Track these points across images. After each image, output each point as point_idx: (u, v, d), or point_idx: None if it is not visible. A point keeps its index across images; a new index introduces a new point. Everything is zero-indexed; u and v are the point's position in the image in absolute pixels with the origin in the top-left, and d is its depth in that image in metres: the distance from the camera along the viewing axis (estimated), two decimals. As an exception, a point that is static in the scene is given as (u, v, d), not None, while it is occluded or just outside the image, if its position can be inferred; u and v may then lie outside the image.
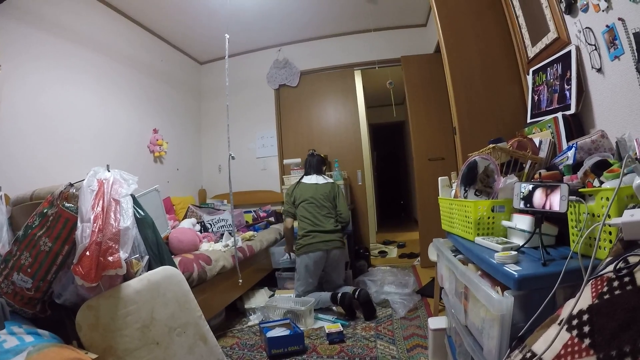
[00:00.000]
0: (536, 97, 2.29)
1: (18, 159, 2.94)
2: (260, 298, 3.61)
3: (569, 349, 0.68)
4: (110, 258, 1.69)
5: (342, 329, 2.77)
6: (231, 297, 3.25)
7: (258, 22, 4.83)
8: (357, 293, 3.15)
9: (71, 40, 3.53)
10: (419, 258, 4.68)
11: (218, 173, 5.74)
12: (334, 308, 3.29)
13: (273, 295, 3.71)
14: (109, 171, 2.03)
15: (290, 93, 5.63)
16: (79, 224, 1.72)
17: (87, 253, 1.64)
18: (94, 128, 3.75)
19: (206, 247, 3.26)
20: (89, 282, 1.61)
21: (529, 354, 0.74)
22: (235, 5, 4.25)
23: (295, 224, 3.61)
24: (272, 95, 5.67)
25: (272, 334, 2.66)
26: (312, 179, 3.68)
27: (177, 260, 2.53)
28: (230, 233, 3.60)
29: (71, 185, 1.88)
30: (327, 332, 2.74)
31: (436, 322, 2.24)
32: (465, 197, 1.85)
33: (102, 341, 1.61)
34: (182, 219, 4.19)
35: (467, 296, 1.50)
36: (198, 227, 3.82)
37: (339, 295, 3.11)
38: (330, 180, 3.78)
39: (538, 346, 0.74)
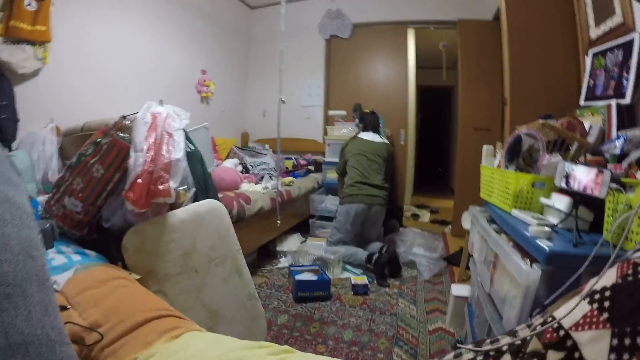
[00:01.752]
0: (592, 81, 2.22)
1: (69, 93, 3.10)
2: (292, 242, 3.75)
3: (587, 319, 0.73)
4: (160, 186, 1.75)
5: (367, 282, 2.86)
6: (266, 237, 3.40)
7: None
8: (384, 249, 3.23)
9: None
10: (450, 226, 4.70)
11: (262, 117, 5.83)
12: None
13: (305, 241, 3.84)
14: (162, 106, 2.11)
15: (341, 45, 5.57)
16: (132, 153, 1.78)
17: (139, 180, 1.71)
18: (143, 66, 3.88)
19: (246, 187, 3.40)
20: (139, 207, 1.69)
21: (549, 318, 0.79)
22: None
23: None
24: (322, 45, 5.63)
25: (300, 277, 2.79)
26: (369, 136, 3.72)
27: (219, 196, 2.65)
28: (271, 176, 3.70)
29: (124, 117, 1.96)
30: (352, 283, 2.85)
31: (459, 290, 2.29)
32: (517, 171, 1.85)
33: (146, 264, 1.70)
34: (225, 159, 4.32)
35: (496, 265, 1.55)
36: (240, 167, 3.94)
37: (374, 257, 3.15)
38: (386, 141, 3.81)
39: (559, 313, 0.78)
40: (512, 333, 0.84)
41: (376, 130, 3.85)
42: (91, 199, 1.80)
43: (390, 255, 3.20)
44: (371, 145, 3.62)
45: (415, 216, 5.45)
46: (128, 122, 1.93)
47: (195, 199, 2.07)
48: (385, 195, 3.54)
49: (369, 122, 3.88)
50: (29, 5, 2.70)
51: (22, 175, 1.97)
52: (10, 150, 2.59)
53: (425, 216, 5.52)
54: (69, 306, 1.21)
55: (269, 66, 5.70)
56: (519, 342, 0.79)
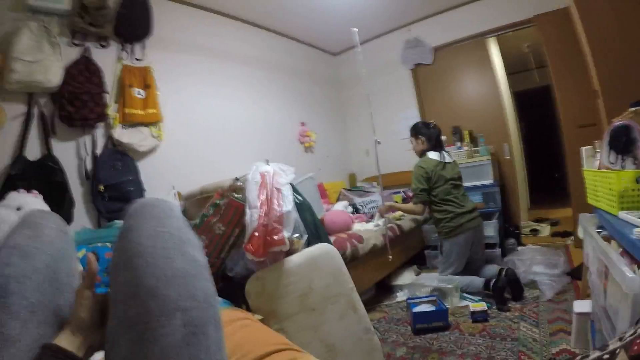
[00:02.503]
0: None
1: (184, 162, 3.57)
2: (408, 276, 3.74)
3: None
4: (275, 237, 1.97)
5: (486, 309, 2.77)
6: (381, 273, 3.45)
7: (382, 6, 4.84)
8: (504, 271, 3.10)
9: (216, 57, 4.14)
10: (572, 237, 4.34)
11: (366, 157, 5.96)
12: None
13: (420, 273, 3.80)
14: (268, 164, 2.32)
15: (427, 71, 5.58)
16: (247, 210, 2.03)
17: (256, 234, 1.95)
18: (247, 128, 4.33)
19: (358, 227, 3.52)
20: (258, 257, 1.93)
21: None
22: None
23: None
24: (408, 75, 5.69)
25: (418, 309, 2.80)
26: (442, 157, 3.50)
27: (331, 239, 2.78)
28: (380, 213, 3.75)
29: (237, 179, 2.23)
30: (471, 310, 2.77)
31: (581, 306, 2.11)
32: (623, 167, 1.70)
33: (267, 306, 1.92)
34: (335, 202, 4.47)
35: (607, 275, 1.43)
36: (350, 209, 4.08)
37: (492, 282, 3.02)
38: (453, 159, 3.67)
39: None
40: (603, 347, 0.79)
41: (442, 145, 3.61)
42: (216, 252, 2.11)
43: (510, 277, 3.06)
44: (452, 170, 3.46)
45: (535, 231, 5.12)
46: (240, 183, 2.24)
47: (309, 244, 2.25)
48: (479, 213, 3.45)
49: (435, 138, 3.57)
50: (138, 94, 3.22)
51: None
52: None
53: (545, 230, 5.15)
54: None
55: (362, 106, 5.82)
56: (607, 356, 0.74)
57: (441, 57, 5.46)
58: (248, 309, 1.94)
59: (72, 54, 2.88)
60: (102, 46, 3.11)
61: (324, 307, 2.02)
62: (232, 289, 2.11)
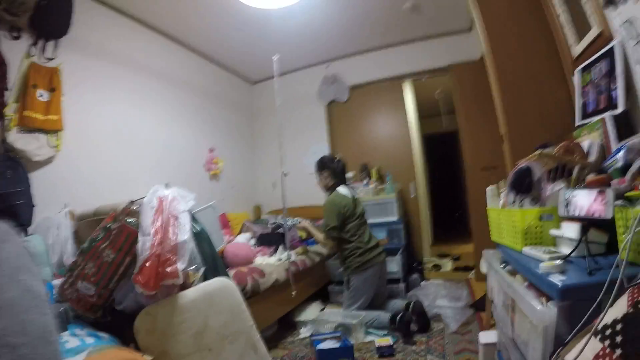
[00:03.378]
0: (583, 99, 2.18)
1: (82, 178, 3.18)
2: (311, 311, 3.63)
3: (600, 359, 0.65)
4: (168, 269, 1.78)
5: (392, 343, 2.73)
6: (284, 309, 3.32)
7: (305, 40, 4.92)
8: (411, 305, 3.12)
9: (129, 68, 3.80)
10: (473, 271, 4.54)
11: (272, 189, 5.85)
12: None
13: (324, 308, 3.73)
14: (168, 189, 2.14)
15: (341, 108, 5.69)
16: (140, 237, 1.84)
17: (147, 264, 1.75)
18: (151, 148, 3.99)
19: (260, 260, 3.37)
20: (149, 290, 1.72)
21: (561, 364, 0.71)
22: (282, 26, 4.36)
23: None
24: (323, 110, 5.76)
25: (322, 346, 2.67)
26: (349, 191, 3.53)
27: (231, 273, 2.64)
28: (284, 247, 3.65)
29: (132, 202, 2.02)
30: (377, 345, 2.72)
31: (487, 337, 2.17)
32: (521, 206, 1.78)
33: (158, 345, 1.71)
34: (237, 234, 4.30)
35: (514, 308, 1.46)
36: (253, 241, 3.91)
37: (398, 316, 3.00)
38: (358, 195, 3.72)
39: (571, 356, 0.71)
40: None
41: (345, 180, 3.67)
42: (103, 282, 1.85)
43: (417, 311, 3.10)
44: (359, 206, 3.52)
45: (437, 267, 5.29)
46: (136, 206, 2.00)
47: (205, 277, 2.08)
48: (383, 249, 3.50)
49: (340, 172, 3.60)
50: (41, 96, 2.87)
51: (37, 259, 2.00)
52: (26, 234, 2.64)
53: (447, 265, 5.35)
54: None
55: (274, 138, 5.78)
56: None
57: (356, 95, 5.61)
58: (137, 348, 1.71)
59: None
60: (14, 37, 2.76)
61: (221, 346, 1.87)
62: (120, 325, 1.88)
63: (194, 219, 2.18)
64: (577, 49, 2.24)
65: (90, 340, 1.57)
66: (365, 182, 4.99)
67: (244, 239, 3.84)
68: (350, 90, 5.60)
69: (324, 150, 5.60)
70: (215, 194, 4.73)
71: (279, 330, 3.36)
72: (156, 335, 1.72)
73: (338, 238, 3.41)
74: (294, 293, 3.01)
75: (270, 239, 3.92)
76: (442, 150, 9.45)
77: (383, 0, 4.18)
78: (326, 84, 5.65)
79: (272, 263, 3.33)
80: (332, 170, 3.56)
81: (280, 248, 3.69)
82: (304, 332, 3.26)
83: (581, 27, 2.15)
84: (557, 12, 2.39)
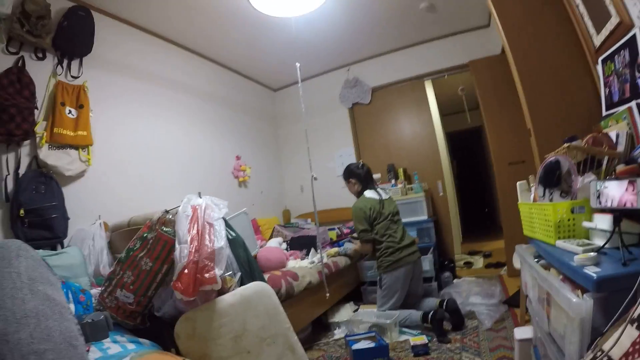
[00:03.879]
0: (609, 89, 2.16)
1: (113, 190, 3.31)
2: (345, 312, 3.66)
3: (637, 346, 0.66)
4: (206, 275, 1.83)
5: (427, 342, 2.73)
6: (317, 311, 3.35)
7: (325, 46, 4.97)
8: (444, 303, 3.13)
9: (153, 82, 3.92)
10: (505, 267, 4.50)
11: (300, 193, 5.93)
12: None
13: (357, 309, 3.75)
14: (200, 197, 2.20)
15: (364, 110, 5.73)
16: (177, 245, 1.89)
17: (186, 271, 1.80)
18: (181, 159, 4.11)
19: (293, 264, 3.43)
20: (188, 296, 1.77)
21: (599, 353, 0.73)
22: (302, 33, 4.39)
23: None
24: (346, 114, 5.81)
25: (357, 346, 2.69)
26: (376, 194, 3.58)
27: (265, 277, 2.66)
28: (316, 250, 3.69)
29: (167, 212, 2.08)
30: (411, 344, 2.73)
31: (522, 332, 2.15)
32: (551, 200, 1.78)
33: (198, 349, 1.76)
34: (269, 239, 4.37)
35: (550, 302, 1.46)
36: (284, 245, 3.97)
37: (430, 314, 3.02)
38: (389, 195, 3.76)
39: (608, 345, 0.72)
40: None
41: (373, 183, 3.72)
42: (142, 290, 1.91)
43: (451, 308, 3.09)
44: (389, 206, 3.53)
45: (469, 264, 5.25)
46: (170, 216, 2.05)
47: (242, 282, 2.13)
48: (417, 247, 3.52)
49: (366, 177, 3.67)
50: (69, 113, 2.98)
51: (75, 269, 2.10)
52: (62, 246, 2.76)
53: (479, 262, 5.30)
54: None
55: (299, 143, 5.90)
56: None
57: (378, 97, 5.64)
58: (178, 353, 1.77)
59: (5, 62, 2.65)
60: (39, 58, 2.89)
61: (260, 349, 1.91)
62: (160, 331, 1.96)
63: (228, 225, 2.23)
64: (598, 38, 2.21)
65: (131, 346, 1.62)
66: (392, 182, 5.00)
67: (275, 243, 3.91)
68: (372, 92, 5.63)
69: (349, 153, 5.67)
70: (244, 201, 4.82)
71: (313, 332, 3.39)
72: (196, 340, 1.77)
73: (372, 239, 3.45)
74: (327, 295, 3.04)
75: (302, 242, 3.97)
76: (467, 146, 9.40)
77: (399, 1, 4.19)
78: (348, 88, 5.70)
79: (304, 266, 3.37)
80: (357, 176, 3.64)
81: (312, 251, 3.73)
82: (338, 333, 3.29)
83: (600, 17, 2.12)
84: (576, 1, 2.37)
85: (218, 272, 1.88)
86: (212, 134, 4.69)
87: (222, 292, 1.96)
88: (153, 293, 1.95)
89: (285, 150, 6.20)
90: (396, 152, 5.49)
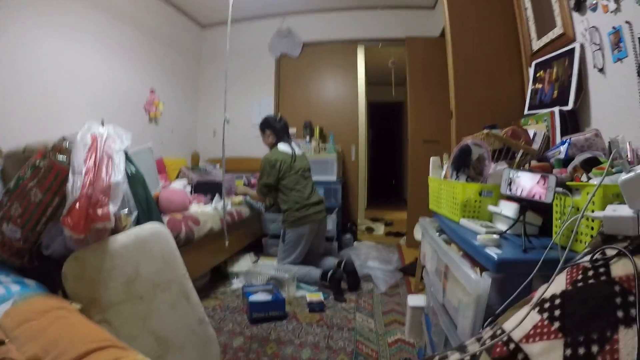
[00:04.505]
0: (536, 90, 2.30)
1: (13, 113, 2.95)
2: (244, 263, 3.65)
3: (538, 330, 0.71)
4: (99, 211, 1.67)
5: (322, 299, 2.82)
6: (217, 259, 3.31)
7: None
8: (343, 264, 3.23)
9: None
10: (404, 237, 4.74)
11: (212, 137, 5.70)
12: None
13: (257, 260, 3.76)
14: (103, 126, 2.02)
15: (291, 63, 5.59)
16: (70, 176, 1.70)
17: (77, 205, 1.63)
18: (91, 85, 3.74)
19: (195, 208, 3.30)
20: (78, 233, 1.61)
21: (499, 331, 0.77)
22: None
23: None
24: (272, 63, 5.62)
25: (254, 298, 2.70)
26: (289, 148, 3.54)
27: (165, 219, 2.54)
28: (220, 196, 3.61)
29: (64, 138, 1.87)
30: (308, 300, 2.80)
31: (415, 300, 2.28)
32: (467, 181, 1.86)
33: (87, 293, 1.61)
34: (174, 180, 4.20)
35: (447, 275, 1.54)
36: (188, 188, 3.82)
37: (329, 273, 3.10)
38: (303, 151, 3.76)
39: (508, 324, 0.76)
40: (462, 348, 0.82)
41: (289, 137, 3.70)
42: (30, 225, 1.72)
43: (349, 269, 3.20)
44: (301, 162, 3.53)
45: (370, 229, 5.47)
46: (67, 143, 1.84)
47: (138, 222, 1.99)
48: (325, 207, 3.56)
49: (282, 130, 3.63)
50: None
51: None
52: None
53: (380, 229, 5.54)
54: (6, 340, 1.14)
55: (219, 85, 5.60)
56: (468, 357, 0.76)
57: (308, 52, 5.51)
58: (65, 296, 1.61)
59: None
60: None
61: (153, 295, 1.80)
62: (48, 271, 1.78)
63: (129, 160, 2.06)
64: (537, 43, 2.37)
65: (15, 287, 1.50)
66: (307, 139, 4.99)
67: (180, 185, 3.73)
68: (303, 47, 5.50)
69: (269, 103, 5.54)
70: (154, 138, 4.56)
71: (211, 280, 3.35)
72: (85, 282, 1.62)
73: (268, 195, 3.49)
74: (227, 243, 2.99)
75: (207, 187, 3.87)
76: (387, 119, 9.62)
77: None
78: (279, 37, 5.51)
79: (207, 211, 3.26)
80: (273, 128, 3.59)
81: (217, 197, 3.64)
82: (236, 284, 3.28)
83: (545, 24, 2.28)
84: (525, 5, 2.50)
85: (112, 208, 1.73)
86: (130, 61, 4.32)
87: (116, 231, 1.81)
88: (42, 228, 1.75)
89: (204, 91, 5.91)
90: (316, 110, 5.46)
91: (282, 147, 3.51)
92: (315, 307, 2.76)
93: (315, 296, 2.84)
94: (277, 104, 5.58)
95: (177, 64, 5.30)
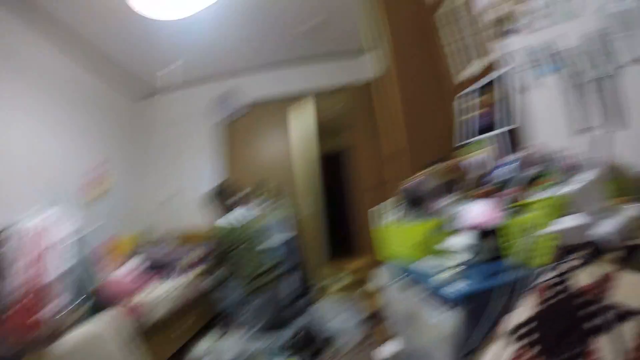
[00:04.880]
0: (473, 119, 2.39)
1: None
2: (209, 342, 3.42)
3: (522, 358, 0.69)
4: (35, 318, 1.54)
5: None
6: (178, 344, 3.14)
7: (201, 54, 4.77)
8: (306, 326, 3.20)
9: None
10: (367, 285, 4.68)
11: (162, 211, 5.49)
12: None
13: (222, 337, 3.56)
14: (49, 209, 1.89)
15: (238, 124, 5.53)
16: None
17: (10, 312, 1.51)
18: (27, 162, 3.51)
19: (149, 291, 3.08)
20: (13, 344, 1.49)
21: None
22: (177, 38, 4.18)
23: None
24: (217, 127, 5.55)
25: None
26: (232, 218, 3.42)
27: (113, 312, 2.36)
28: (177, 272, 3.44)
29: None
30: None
31: (387, 349, 2.22)
32: (414, 220, 1.86)
33: None
34: (125, 261, 3.97)
35: (414, 319, 1.50)
36: (142, 268, 3.62)
37: (297, 336, 3.04)
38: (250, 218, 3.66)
39: (487, 360, 0.74)
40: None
41: (236, 204, 3.58)
42: None
43: (316, 329, 3.18)
44: (246, 230, 3.40)
45: (332, 284, 5.37)
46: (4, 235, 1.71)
47: (87, 315, 1.86)
48: (279, 270, 3.48)
49: (227, 199, 3.53)
50: None
51: None
52: None
53: (343, 281, 5.46)
54: None
55: (165, 156, 5.52)
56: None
57: (254, 111, 5.51)
58: None
59: None
60: None
61: None
62: None
63: (75, 246, 1.95)
64: (467, 73, 2.51)
65: None
66: (260, 200, 4.91)
67: (130, 268, 3.53)
68: (248, 106, 5.49)
69: (217, 169, 5.43)
70: (101, 216, 4.33)
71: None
72: None
73: (225, 262, 3.32)
74: (178, 332, 2.79)
75: (161, 265, 3.69)
76: (337, 167, 9.72)
77: (279, 20, 4.24)
78: (221, 101, 5.50)
79: (160, 294, 3.08)
80: (219, 200, 3.51)
81: (173, 273, 3.46)
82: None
83: (471, 55, 2.42)
84: (450, 40, 2.65)
85: (50, 311, 1.60)
86: (69, 136, 4.13)
87: (57, 334, 1.66)
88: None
89: (150, 163, 5.60)
90: (267, 169, 5.39)
91: (227, 218, 3.40)
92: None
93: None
94: (228, 168, 5.47)
95: (121, 137, 5.13)
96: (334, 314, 3.73)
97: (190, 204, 5.09)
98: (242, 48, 4.86)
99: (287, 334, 3.16)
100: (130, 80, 5.23)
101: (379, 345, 2.77)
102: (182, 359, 3.27)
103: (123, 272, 3.28)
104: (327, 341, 3.13)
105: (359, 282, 5.12)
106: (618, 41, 1.33)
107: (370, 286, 4.27)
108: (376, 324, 3.28)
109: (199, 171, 5.46)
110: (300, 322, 3.40)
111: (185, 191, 5.21)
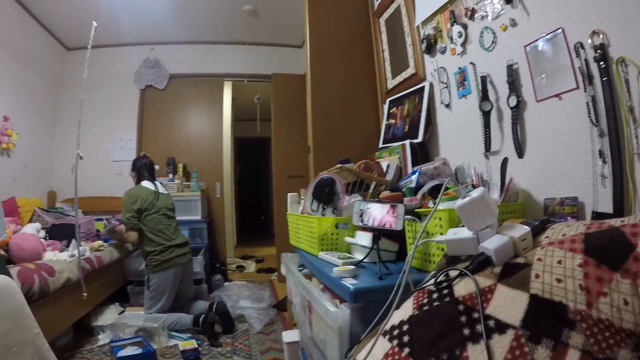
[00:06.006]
0: (389, 125, 2.54)
1: None
2: (110, 315, 3.37)
3: (390, 358, 0.75)
4: None
5: (197, 346, 2.72)
6: (78, 313, 2.97)
7: (133, 15, 4.57)
8: (214, 306, 3.15)
9: None
10: (276, 273, 4.78)
11: (70, 174, 5.12)
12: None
13: (124, 311, 3.49)
14: None
15: (157, 95, 5.38)
16: None
17: None
18: None
19: (50, 256, 2.92)
20: None
21: (353, 362, 0.81)
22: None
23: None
24: (137, 95, 5.34)
25: (123, 353, 2.53)
26: (155, 187, 3.43)
27: (15, 270, 2.26)
28: (77, 241, 3.29)
29: None
30: (181, 349, 2.68)
31: (290, 336, 2.30)
32: (323, 214, 1.94)
33: None
34: (27, 224, 3.74)
35: (311, 309, 1.59)
36: (43, 233, 3.42)
37: (201, 318, 2.99)
38: (168, 191, 3.66)
39: (361, 355, 0.81)
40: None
41: (154, 176, 3.60)
42: None
43: (221, 311, 3.13)
44: (165, 201, 3.42)
45: (241, 268, 5.42)
46: None
47: None
48: (190, 248, 3.47)
49: (145, 168, 3.53)
50: None
51: None
52: None
53: (251, 266, 5.53)
54: None
55: (85, 117, 5.16)
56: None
57: (175, 85, 5.38)
58: None
59: None
60: None
61: (4, 359, 1.63)
62: None
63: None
64: (392, 82, 2.66)
65: None
66: (170, 177, 4.82)
67: (32, 230, 3.30)
68: (169, 79, 5.35)
69: (130, 137, 5.24)
70: (4, 173, 4.03)
71: (75, 337, 3.04)
72: None
73: (139, 229, 3.25)
74: (85, 295, 2.71)
75: (64, 231, 3.51)
76: (253, 154, 9.70)
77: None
78: (146, 67, 5.30)
79: (63, 259, 2.92)
80: (134, 167, 3.51)
81: (73, 242, 3.31)
82: (103, 338, 3.01)
83: (399, 65, 2.57)
84: (383, 47, 2.78)
85: None
86: None
87: None
88: None
89: (64, 121, 5.20)
90: (179, 146, 5.29)
91: (145, 183, 3.39)
92: (190, 356, 2.64)
93: (189, 344, 2.73)
94: (140, 139, 5.29)
95: (37, 88, 4.72)
96: (243, 296, 3.78)
97: (102, 170, 4.92)
98: (172, 19, 4.76)
99: (192, 313, 3.18)
100: (63, 28, 4.92)
101: (286, 330, 2.87)
102: (84, 327, 3.20)
103: (26, 232, 3.11)
104: (232, 323, 3.17)
105: (269, 268, 5.22)
106: (526, 78, 1.49)
107: (280, 272, 4.38)
108: (285, 309, 3.37)
109: (115, 138, 5.26)
110: (208, 301, 3.42)
111: (98, 156, 5.01)
